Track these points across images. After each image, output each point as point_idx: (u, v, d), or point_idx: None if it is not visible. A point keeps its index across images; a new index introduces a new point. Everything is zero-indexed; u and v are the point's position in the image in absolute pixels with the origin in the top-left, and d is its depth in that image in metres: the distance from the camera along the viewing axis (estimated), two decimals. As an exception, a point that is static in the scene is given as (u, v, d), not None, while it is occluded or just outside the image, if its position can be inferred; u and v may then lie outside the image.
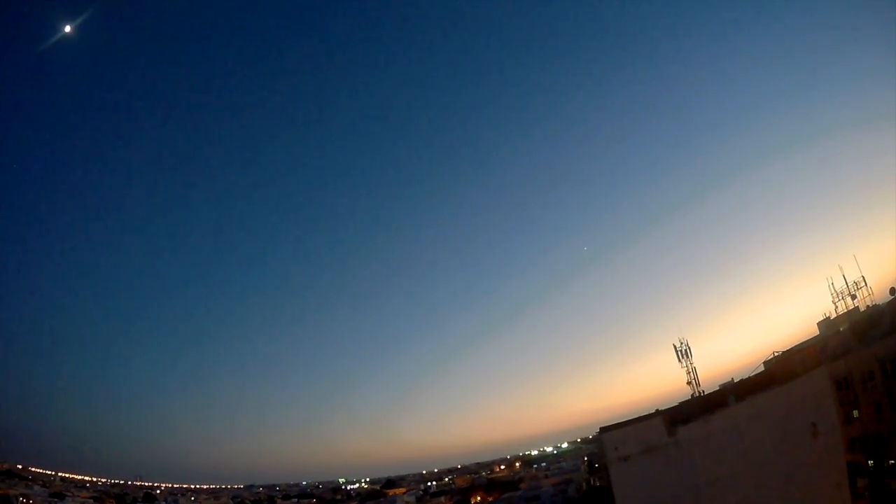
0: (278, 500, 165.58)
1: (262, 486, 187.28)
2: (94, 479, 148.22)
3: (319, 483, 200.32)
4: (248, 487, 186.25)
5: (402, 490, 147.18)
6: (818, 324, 25.16)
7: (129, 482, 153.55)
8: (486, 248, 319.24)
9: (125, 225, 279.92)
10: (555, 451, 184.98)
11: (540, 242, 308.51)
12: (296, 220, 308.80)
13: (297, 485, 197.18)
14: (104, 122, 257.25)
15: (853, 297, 28.71)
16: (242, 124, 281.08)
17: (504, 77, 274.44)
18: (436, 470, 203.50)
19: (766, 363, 25.87)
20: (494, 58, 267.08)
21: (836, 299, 27.43)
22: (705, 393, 30.79)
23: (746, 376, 27.83)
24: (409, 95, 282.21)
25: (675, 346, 35.14)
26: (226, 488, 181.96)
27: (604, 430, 29.36)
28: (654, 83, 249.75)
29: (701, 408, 26.15)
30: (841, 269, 28.07)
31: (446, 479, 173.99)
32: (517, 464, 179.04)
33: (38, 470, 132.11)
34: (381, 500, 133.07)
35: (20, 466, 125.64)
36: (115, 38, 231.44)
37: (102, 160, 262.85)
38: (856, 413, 28.65)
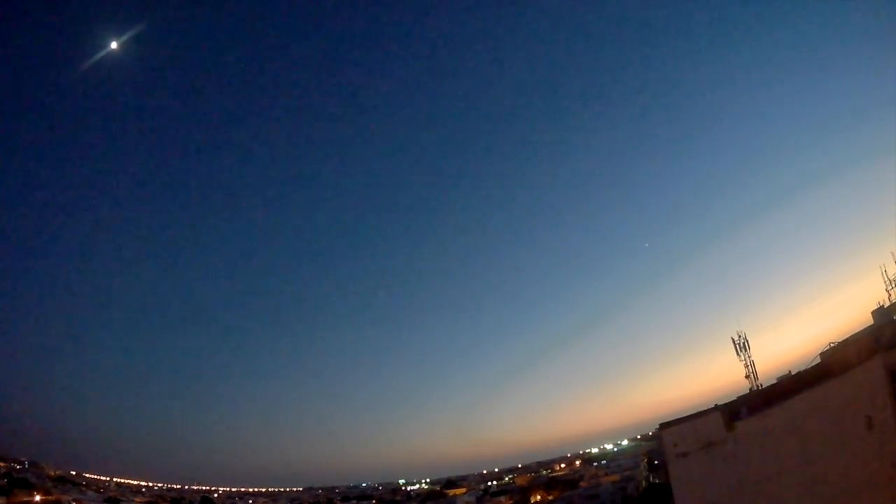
0: (337, 502, 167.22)
1: (321, 489, 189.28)
2: (150, 484, 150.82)
3: (379, 484, 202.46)
4: (307, 489, 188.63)
5: (462, 490, 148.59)
6: (872, 313, 24.98)
7: (186, 486, 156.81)
8: (542, 264, 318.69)
9: (177, 235, 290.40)
10: (615, 449, 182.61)
11: (603, 251, 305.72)
12: (374, 219, 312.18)
13: (356, 486, 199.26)
14: (148, 136, 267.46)
15: (905, 284, 28.17)
16: (309, 134, 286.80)
17: (582, 82, 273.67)
18: (496, 469, 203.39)
19: (822, 354, 25.89)
20: (574, 71, 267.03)
21: (889, 287, 27.05)
22: (763, 386, 30.86)
23: (804, 368, 27.89)
24: (504, 99, 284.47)
25: (733, 340, 35.28)
26: (284, 491, 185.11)
27: (663, 426, 29.61)
28: (720, 103, 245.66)
29: (759, 402, 26.34)
30: (894, 255, 27.66)
31: (506, 479, 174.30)
32: (577, 462, 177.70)
33: (93, 476, 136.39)
34: (441, 500, 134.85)
35: (73, 472, 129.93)
36: (160, 55, 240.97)
37: (145, 173, 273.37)
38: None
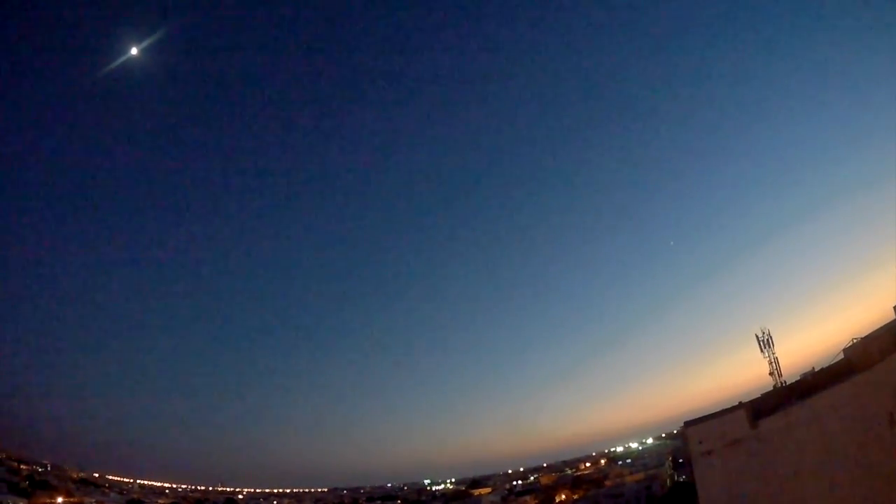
0: (362, 503, 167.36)
1: (346, 489, 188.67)
2: (174, 486, 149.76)
3: (405, 485, 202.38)
4: (332, 490, 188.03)
5: (487, 490, 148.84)
6: (894, 307, 24.91)
7: (210, 487, 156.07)
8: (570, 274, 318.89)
9: (202, 238, 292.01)
10: (640, 448, 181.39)
11: (628, 261, 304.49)
12: (424, 217, 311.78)
13: (381, 487, 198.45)
14: (166, 142, 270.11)
15: (929, 278, 27.74)
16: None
17: (617, 90, 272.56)
18: (521, 469, 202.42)
19: (845, 350, 25.89)
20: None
21: (913, 282, 26.80)
22: (787, 383, 30.90)
23: (827, 364, 27.90)
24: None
25: (757, 337, 35.29)
26: (309, 492, 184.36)
27: (687, 424, 29.73)
28: (754, 117, 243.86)
29: (783, 398, 26.43)
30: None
31: (531, 478, 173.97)
32: (602, 461, 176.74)
33: (116, 478, 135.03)
34: (466, 500, 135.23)
35: (96, 474, 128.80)
36: (180, 60, 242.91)
37: (162, 177, 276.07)
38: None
